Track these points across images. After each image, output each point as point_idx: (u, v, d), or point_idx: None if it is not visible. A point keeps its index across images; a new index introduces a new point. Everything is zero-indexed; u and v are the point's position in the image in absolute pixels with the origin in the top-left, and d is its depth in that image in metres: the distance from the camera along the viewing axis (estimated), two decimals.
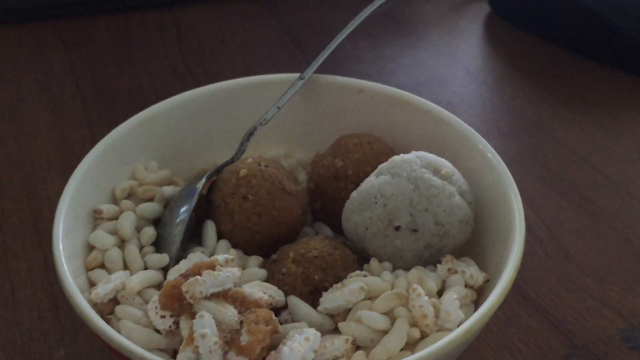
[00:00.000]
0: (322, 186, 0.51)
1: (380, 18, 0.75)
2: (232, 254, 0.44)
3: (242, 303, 0.38)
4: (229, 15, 0.92)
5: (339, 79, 0.56)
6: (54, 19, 0.89)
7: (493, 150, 0.49)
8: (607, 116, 0.75)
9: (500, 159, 0.48)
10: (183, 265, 0.42)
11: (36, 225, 0.61)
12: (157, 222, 0.48)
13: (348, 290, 0.40)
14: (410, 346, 0.39)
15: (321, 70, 0.57)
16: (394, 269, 0.45)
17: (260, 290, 0.40)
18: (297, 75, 0.55)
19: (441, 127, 0.52)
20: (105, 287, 0.40)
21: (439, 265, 0.44)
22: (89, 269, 0.44)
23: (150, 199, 0.49)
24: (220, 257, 0.40)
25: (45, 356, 0.50)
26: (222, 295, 0.38)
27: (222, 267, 0.39)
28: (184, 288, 0.37)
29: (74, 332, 0.51)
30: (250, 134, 0.52)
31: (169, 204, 0.49)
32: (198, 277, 0.38)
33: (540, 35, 0.86)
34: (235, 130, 0.54)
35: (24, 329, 0.52)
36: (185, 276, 0.38)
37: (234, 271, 0.39)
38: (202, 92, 0.55)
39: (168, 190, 0.49)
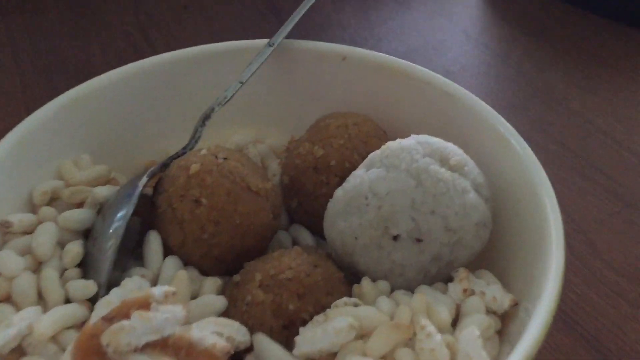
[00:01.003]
0: (299, 180, 0.41)
1: None
2: (181, 277, 0.34)
3: (189, 353, 0.28)
4: None
5: (317, 45, 0.46)
6: None
7: (516, 133, 0.38)
8: (630, 82, 0.67)
9: (525, 143, 0.38)
10: (114, 296, 0.32)
11: None
12: (87, 234, 0.38)
13: (333, 329, 0.30)
14: None
15: (296, 36, 0.46)
16: (393, 289, 0.35)
17: (215, 331, 0.30)
18: (265, 41, 0.44)
19: (447, 103, 0.42)
20: (5, 334, 0.30)
21: (451, 285, 0.34)
22: None
23: (80, 204, 0.38)
24: (157, 291, 0.29)
25: None
26: (160, 345, 0.28)
27: (161, 305, 0.28)
28: (104, 339, 0.27)
29: None
30: (206, 117, 0.41)
31: (102, 210, 0.38)
32: (125, 322, 0.27)
33: None
34: (190, 112, 0.44)
35: None
36: (109, 319, 0.28)
37: (177, 310, 0.28)
38: (147, 65, 0.44)
39: (102, 191, 0.38)
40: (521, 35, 0.74)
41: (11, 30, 0.73)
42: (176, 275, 0.34)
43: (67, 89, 0.65)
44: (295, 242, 0.41)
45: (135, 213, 0.37)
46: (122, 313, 0.28)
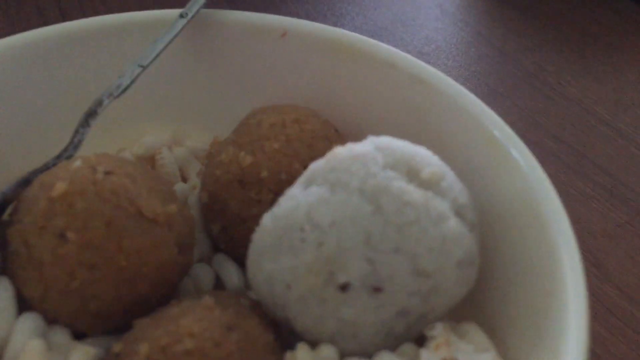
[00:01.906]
0: (221, 197, 0.31)
1: None
2: (33, 349, 0.23)
3: None
4: None
5: (248, 16, 0.35)
6: None
7: (509, 130, 0.28)
8: (633, 64, 0.58)
9: (523, 144, 0.28)
10: None
11: None
12: None
13: None
14: None
15: (229, 7, 0.36)
16: (343, 356, 0.24)
17: None
18: (177, 12, 0.34)
19: (418, 93, 0.31)
20: None
21: (424, 352, 0.24)
22: None
23: None
24: None
25: None
26: None
27: None
28: None
29: None
30: (90, 114, 0.31)
31: None
32: None
33: None
34: (79, 104, 0.32)
35: None
36: None
37: None
38: (18, 42, 0.33)
39: None
40: (506, 10, 0.65)
41: None
42: (27, 347, 0.24)
43: None
44: (218, 279, 0.31)
45: None
46: None
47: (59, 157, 0.30)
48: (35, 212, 0.26)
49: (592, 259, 0.43)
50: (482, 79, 0.57)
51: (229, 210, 0.31)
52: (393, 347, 0.25)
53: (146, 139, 0.36)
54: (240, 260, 0.32)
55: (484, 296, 0.27)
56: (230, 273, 0.31)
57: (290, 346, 0.25)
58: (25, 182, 0.28)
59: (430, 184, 0.25)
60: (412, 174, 0.25)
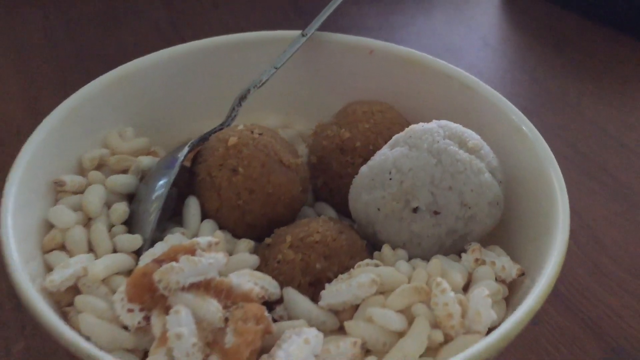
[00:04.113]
0: (325, 160, 0.44)
1: None
2: (218, 236, 0.37)
3: (228, 296, 0.31)
4: None
5: (347, 37, 0.49)
6: None
7: (528, 122, 0.42)
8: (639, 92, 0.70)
9: (537, 132, 0.41)
10: (159, 249, 0.35)
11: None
12: (131, 197, 0.41)
13: (357, 283, 0.33)
14: (432, 351, 0.32)
15: (333, 31, 0.50)
16: (410, 258, 0.38)
17: (251, 280, 0.33)
18: (298, 32, 0.48)
19: (465, 95, 0.45)
20: (63, 272, 0.33)
21: (464, 255, 0.37)
22: (45, 250, 0.36)
23: (124, 171, 0.42)
24: (202, 240, 0.32)
25: (2, 350, 0.43)
26: (204, 286, 0.31)
27: (205, 252, 0.32)
28: (156, 276, 0.30)
29: (35, 325, 0.44)
30: (242, 97, 0.44)
31: (145, 177, 0.41)
32: (174, 263, 0.30)
33: (564, 5, 0.79)
34: (225, 94, 0.47)
35: None
36: (159, 262, 0.31)
37: (219, 257, 0.32)
38: (187, 49, 0.48)
39: (145, 160, 0.42)
40: (537, 45, 0.77)
41: (48, 18, 0.77)
42: (214, 234, 0.37)
43: (101, 73, 0.69)
44: None
45: (173, 183, 0.40)
46: (170, 257, 0.31)
47: (222, 125, 0.44)
48: (216, 155, 0.40)
49: (593, 236, 0.54)
50: (514, 99, 0.69)
51: (331, 169, 0.44)
52: (444, 255, 0.38)
53: (266, 122, 0.50)
54: (335, 206, 0.45)
55: (503, 229, 0.40)
56: (329, 212, 0.44)
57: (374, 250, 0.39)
58: (204, 139, 0.42)
59: (473, 151, 0.39)
60: (462, 143, 0.39)
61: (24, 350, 0.43)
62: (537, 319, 0.46)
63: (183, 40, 0.73)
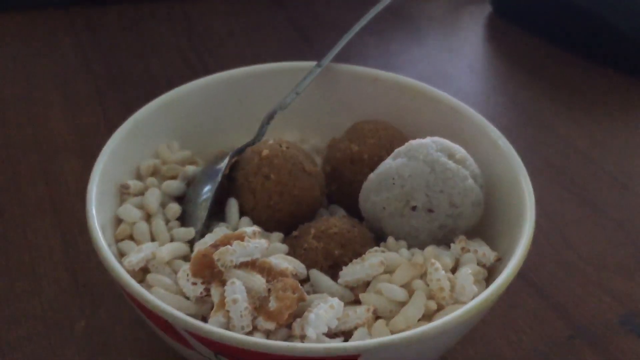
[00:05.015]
0: (338, 169, 0.53)
1: (385, 15, 0.77)
2: (256, 229, 0.46)
3: (269, 273, 0.40)
4: (236, 8, 0.94)
5: (355, 68, 0.58)
6: (64, 7, 0.90)
7: (504, 138, 0.51)
8: (605, 114, 0.78)
9: (510, 145, 0.50)
10: (209, 239, 0.44)
11: (53, 204, 0.62)
12: (180, 199, 0.50)
13: (368, 264, 0.42)
14: (427, 317, 0.41)
15: (344, 62, 0.59)
16: (410, 247, 0.47)
17: (285, 262, 0.42)
18: (313, 63, 0.57)
19: (454, 116, 0.54)
20: (137, 256, 0.42)
21: (452, 245, 0.46)
22: (118, 240, 0.45)
23: (174, 177, 0.50)
24: (248, 229, 0.41)
25: (66, 327, 0.51)
26: (251, 265, 0.40)
27: (250, 239, 0.41)
28: (215, 256, 0.39)
29: (95, 306, 0.53)
30: (270, 117, 0.53)
31: (192, 183, 0.50)
32: (229, 246, 0.39)
33: (540, 36, 0.89)
34: (251, 115, 0.56)
35: (44, 300, 0.53)
36: (215, 246, 0.40)
37: (262, 242, 0.41)
38: (220, 78, 0.57)
39: (190, 169, 0.51)
40: (517, 72, 0.85)
41: (83, 46, 0.86)
42: (254, 229, 0.46)
43: (134, 95, 0.78)
44: None
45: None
46: (224, 242, 0.40)
47: (254, 140, 0.53)
48: (252, 164, 0.49)
49: (561, 236, 0.61)
50: (496, 118, 0.74)
51: (343, 177, 0.52)
52: (437, 245, 0.47)
53: (285, 137, 0.59)
54: (346, 208, 0.54)
55: (483, 225, 0.49)
56: (341, 213, 0.52)
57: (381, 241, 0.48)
58: (240, 151, 0.51)
59: (460, 161, 0.48)
60: (451, 155, 0.48)
61: (85, 328, 0.52)
62: (513, 303, 0.55)
63: (204, 64, 0.83)
